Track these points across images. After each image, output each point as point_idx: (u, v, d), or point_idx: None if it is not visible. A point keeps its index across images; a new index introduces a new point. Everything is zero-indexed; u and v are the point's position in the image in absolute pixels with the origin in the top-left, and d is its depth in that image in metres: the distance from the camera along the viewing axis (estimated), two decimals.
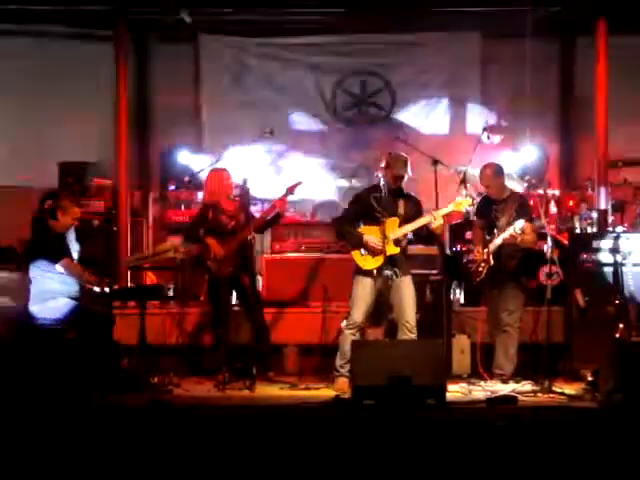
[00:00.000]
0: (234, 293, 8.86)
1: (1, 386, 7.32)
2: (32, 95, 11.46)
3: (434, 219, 7.94)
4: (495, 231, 8.39)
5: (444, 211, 8.08)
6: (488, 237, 8.44)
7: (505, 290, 8.39)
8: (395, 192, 8.02)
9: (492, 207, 8.52)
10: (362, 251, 7.98)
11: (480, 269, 8.37)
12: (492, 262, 8.32)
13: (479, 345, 8.58)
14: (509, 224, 8.26)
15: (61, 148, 11.20)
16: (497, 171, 8.58)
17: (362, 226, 8.06)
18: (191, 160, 11.15)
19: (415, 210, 8.10)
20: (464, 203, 8.19)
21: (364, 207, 8.10)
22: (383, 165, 8.09)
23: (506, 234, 8.21)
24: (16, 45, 11.41)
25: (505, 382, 8.26)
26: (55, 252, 8.10)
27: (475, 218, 8.77)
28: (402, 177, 8.03)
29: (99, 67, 11.10)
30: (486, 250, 8.35)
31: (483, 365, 8.52)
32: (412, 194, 8.27)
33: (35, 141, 11.35)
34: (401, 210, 8.03)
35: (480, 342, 8.57)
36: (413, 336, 7.92)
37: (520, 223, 8.11)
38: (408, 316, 7.93)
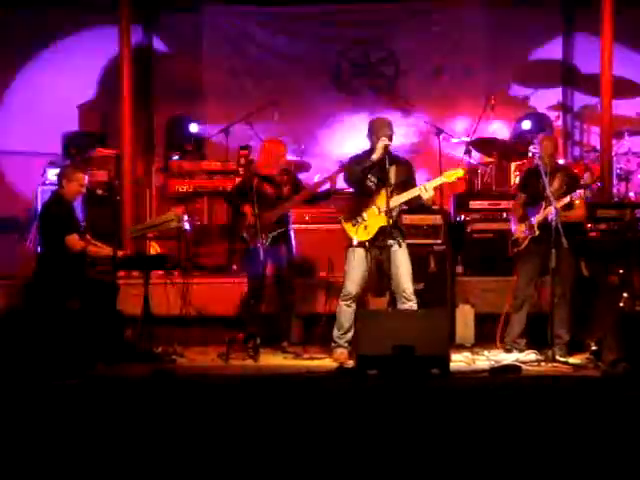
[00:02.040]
0: (269, 263, 8.65)
1: (4, 356, 7.33)
2: None
3: (425, 191, 7.85)
4: (542, 203, 8.10)
5: (435, 183, 8.01)
6: (531, 208, 8.23)
7: (559, 262, 7.85)
8: (387, 158, 7.79)
9: (541, 180, 8.09)
10: (357, 219, 7.92)
11: (520, 240, 8.27)
12: (537, 233, 8.13)
13: (503, 316, 8.44)
14: (558, 197, 7.96)
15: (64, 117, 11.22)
16: (556, 142, 8.49)
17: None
18: (198, 130, 11.16)
19: (406, 176, 7.98)
20: (455, 174, 8.03)
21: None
22: (367, 133, 8.00)
23: (561, 203, 7.92)
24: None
25: (509, 351, 8.26)
26: (63, 225, 8.11)
27: (519, 192, 8.55)
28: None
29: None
30: (528, 222, 8.18)
31: (500, 336, 8.42)
32: (404, 158, 8.22)
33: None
34: (392, 178, 7.89)
35: (505, 312, 8.41)
36: (412, 304, 7.89)
37: (579, 192, 7.99)
38: (405, 285, 7.90)
